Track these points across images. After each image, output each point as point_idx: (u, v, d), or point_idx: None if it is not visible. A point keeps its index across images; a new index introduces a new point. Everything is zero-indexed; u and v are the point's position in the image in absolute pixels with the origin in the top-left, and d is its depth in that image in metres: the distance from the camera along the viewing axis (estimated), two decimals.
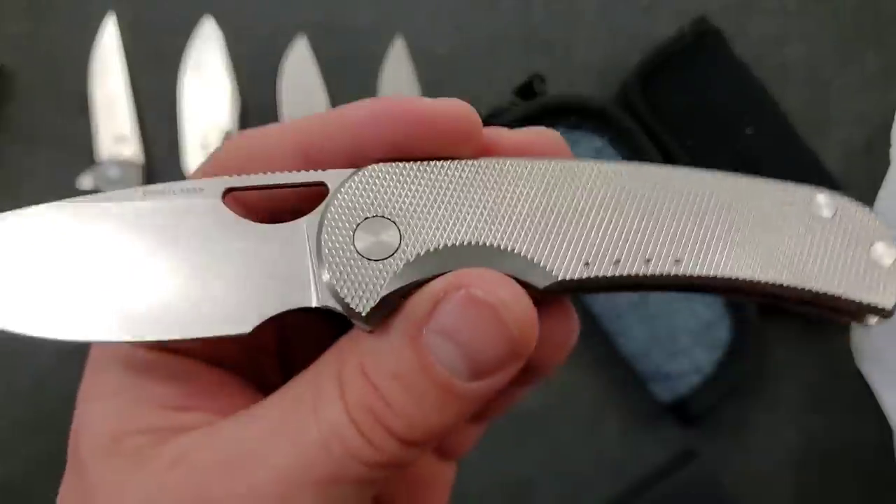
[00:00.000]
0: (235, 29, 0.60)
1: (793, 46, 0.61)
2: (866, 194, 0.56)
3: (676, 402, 0.55)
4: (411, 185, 0.21)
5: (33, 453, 0.54)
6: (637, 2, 0.62)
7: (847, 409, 0.58)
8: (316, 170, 0.22)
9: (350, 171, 0.21)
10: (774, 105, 0.59)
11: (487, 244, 0.21)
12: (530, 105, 0.55)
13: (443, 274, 0.21)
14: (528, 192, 0.22)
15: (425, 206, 0.21)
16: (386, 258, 0.21)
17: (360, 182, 0.21)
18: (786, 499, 0.57)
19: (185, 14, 0.59)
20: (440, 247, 0.21)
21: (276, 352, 0.26)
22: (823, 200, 0.23)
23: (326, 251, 0.21)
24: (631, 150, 0.56)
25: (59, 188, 0.57)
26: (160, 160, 0.59)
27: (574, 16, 0.62)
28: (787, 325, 0.58)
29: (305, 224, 0.21)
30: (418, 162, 0.21)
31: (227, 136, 0.58)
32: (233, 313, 0.20)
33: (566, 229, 0.22)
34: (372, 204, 0.21)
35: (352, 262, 0.21)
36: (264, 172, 0.22)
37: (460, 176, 0.22)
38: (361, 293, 0.20)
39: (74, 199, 0.21)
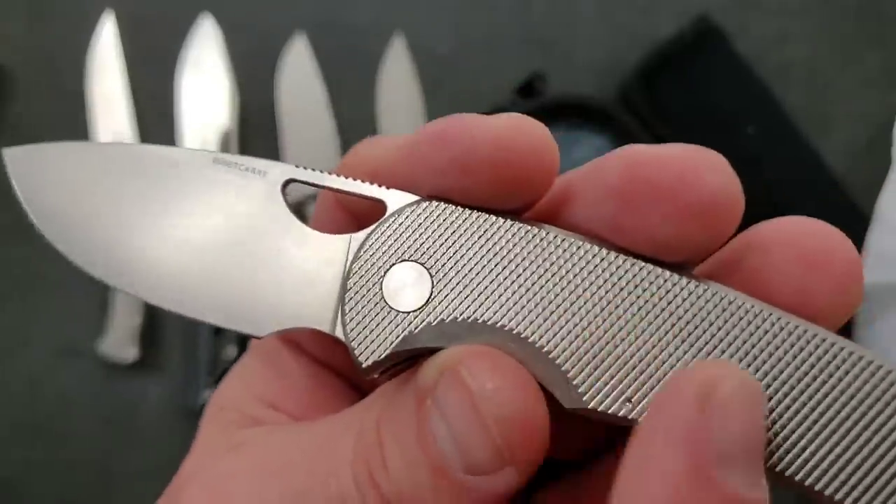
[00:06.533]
0: (234, 27, 0.59)
1: (794, 46, 0.61)
2: (868, 193, 0.56)
3: None
4: (462, 237, 0.18)
5: (30, 454, 0.54)
6: (637, 1, 0.62)
7: None
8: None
9: (412, 198, 0.19)
10: (776, 104, 0.58)
11: (527, 338, 0.17)
12: (530, 105, 0.54)
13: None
14: (591, 294, 0.18)
15: (469, 266, 0.18)
16: (409, 311, 0.18)
17: (412, 217, 0.19)
18: (785, 499, 0.57)
19: (184, 12, 0.59)
20: (470, 319, 0.18)
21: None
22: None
23: (353, 282, 0.18)
24: None
25: None
26: None
27: (574, 15, 0.61)
28: None
29: (350, 241, 0.19)
30: (476, 212, 0.18)
31: (225, 136, 0.57)
32: (251, 313, 0.19)
33: (617, 352, 0.17)
34: (414, 246, 0.18)
35: (373, 302, 0.18)
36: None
37: (518, 243, 0.18)
38: (370, 341, 0.18)
39: (151, 146, 0.21)
